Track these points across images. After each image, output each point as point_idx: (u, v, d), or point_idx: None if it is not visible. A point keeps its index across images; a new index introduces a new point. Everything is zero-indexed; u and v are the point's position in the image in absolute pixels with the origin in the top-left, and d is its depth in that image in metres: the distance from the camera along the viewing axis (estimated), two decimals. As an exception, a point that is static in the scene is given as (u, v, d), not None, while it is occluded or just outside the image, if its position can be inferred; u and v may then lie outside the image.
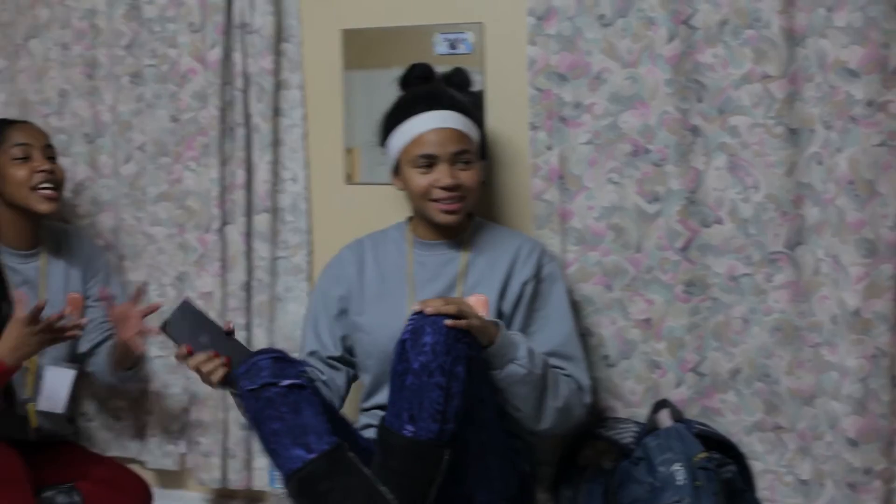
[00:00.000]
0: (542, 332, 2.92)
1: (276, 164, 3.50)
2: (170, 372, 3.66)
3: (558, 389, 2.80)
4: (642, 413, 3.14)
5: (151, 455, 3.70)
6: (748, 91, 2.97)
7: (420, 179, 2.86)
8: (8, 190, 3.27)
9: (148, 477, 3.54)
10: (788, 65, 2.92)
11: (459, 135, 2.87)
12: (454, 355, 2.59)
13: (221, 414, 3.52)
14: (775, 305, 3.01)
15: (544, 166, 3.16)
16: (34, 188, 3.26)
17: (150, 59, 3.61)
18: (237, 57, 3.45)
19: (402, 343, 2.62)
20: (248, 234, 3.50)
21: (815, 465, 2.98)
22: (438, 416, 2.57)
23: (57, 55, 3.76)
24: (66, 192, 3.65)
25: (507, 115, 3.25)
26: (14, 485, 3.04)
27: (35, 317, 3.01)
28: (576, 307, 3.14)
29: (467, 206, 2.90)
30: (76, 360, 3.45)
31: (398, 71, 3.11)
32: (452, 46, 3.28)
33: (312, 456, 2.57)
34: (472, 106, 3.02)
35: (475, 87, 3.18)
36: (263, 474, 3.54)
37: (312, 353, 3.06)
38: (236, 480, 3.55)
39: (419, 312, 2.64)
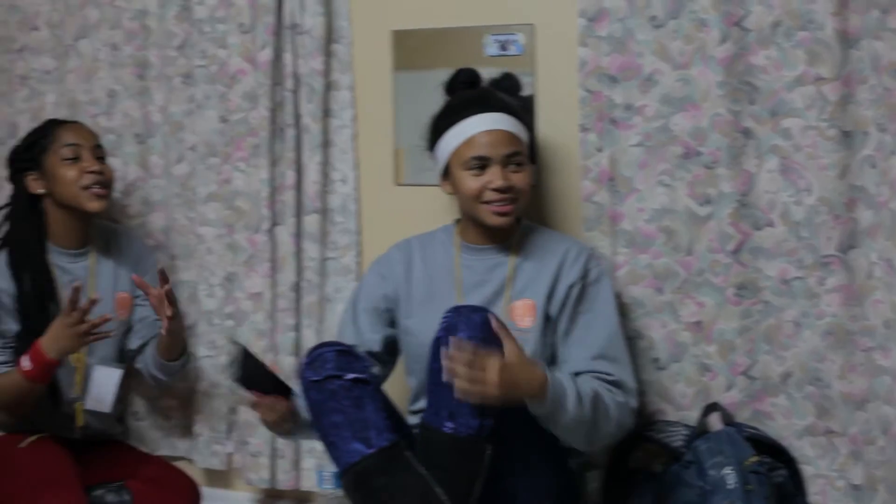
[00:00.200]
0: (586, 334, 2.88)
1: (325, 164, 3.51)
2: (218, 372, 3.67)
3: (608, 418, 2.75)
4: (692, 416, 3.12)
5: (200, 454, 3.72)
6: (801, 93, 2.95)
7: (472, 182, 2.84)
8: (58, 190, 3.29)
9: (195, 476, 3.54)
10: (842, 67, 2.90)
11: (511, 137, 2.86)
12: (489, 350, 2.59)
13: (271, 414, 3.53)
14: (827, 309, 2.98)
15: (594, 168, 3.15)
16: (84, 188, 3.27)
17: (201, 60, 3.62)
18: (287, 58, 3.46)
19: (436, 340, 2.63)
20: (298, 235, 3.51)
21: (868, 470, 2.96)
22: (477, 412, 2.59)
23: (106, 55, 3.78)
24: (118, 192, 3.67)
25: (558, 117, 3.24)
26: (65, 484, 3.07)
27: (80, 314, 3.02)
28: (626, 310, 3.14)
29: (519, 208, 2.88)
30: (124, 358, 3.48)
31: (448, 72, 3.11)
32: (503, 48, 3.27)
33: (371, 451, 2.59)
34: (522, 110, 3.00)
35: (525, 92, 3.18)
36: (312, 475, 3.55)
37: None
38: (285, 481, 3.56)
39: (453, 310, 2.66)
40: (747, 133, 3.01)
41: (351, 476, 2.63)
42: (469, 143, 2.85)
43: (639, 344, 3.16)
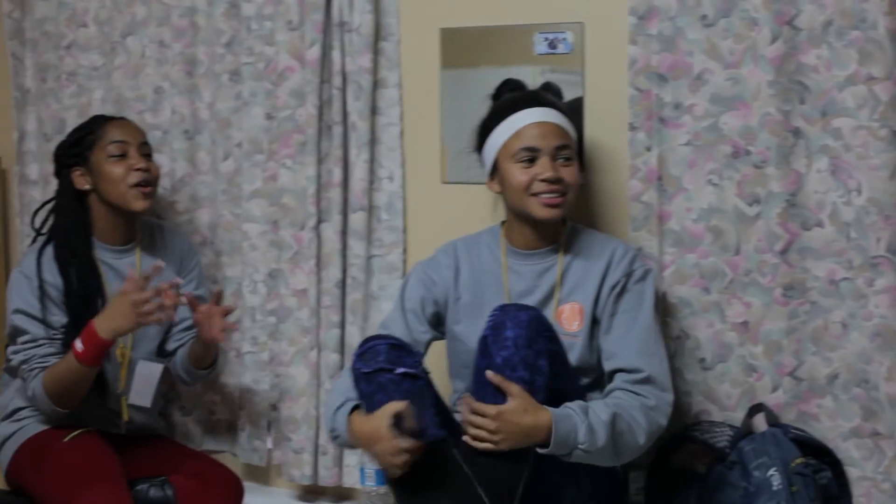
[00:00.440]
0: (624, 332, 2.87)
1: (372, 162, 3.51)
2: (259, 368, 3.70)
3: (632, 433, 2.72)
4: (737, 417, 3.11)
5: (241, 450, 3.74)
6: (852, 93, 2.94)
7: (521, 174, 2.84)
8: (103, 186, 3.30)
9: (237, 471, 3.55)
10: (894, 66, 2.89)
11: (560, 130, 2.87)
12: (536, 349, 2.60)
13: (314, 411, 3.55)
14: (876, 310, 2.97)
15: (643, 167, 3.15)
16: (130, 186, 3.28)
17: (248, 57, 3.63)
18: (336, 55, 3.47)
19: (483, 339, 2.64)
20: (344, 232, 3.52)
21: (913, 473, 2.96)
22: None
23: (153, 52, 3.82)
24: (165, 189, 3.69)
25: (606, 116, 3.24)
26: (109, 478, 3.07)
27: (144, 281, 3.02)
28: (672, 309, 3.14)
29: (567, 202, 2.87)
30: (162, 356, 3.49)
31: (496, 70, 3.13)
32: (552, 46, 3.27)
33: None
34: (569, 111, 3.01)
35: (573, 91, 3.20)
36: (354, 472, 3.55)
37: None
38: (327, 477, 3.56)
39: (499, 308, 2.65)
40: (797, 133, 3.00)
41: (396, 484, 2.65)
42: (518, 135, 2.85)
43: (685, 344, 3.16)
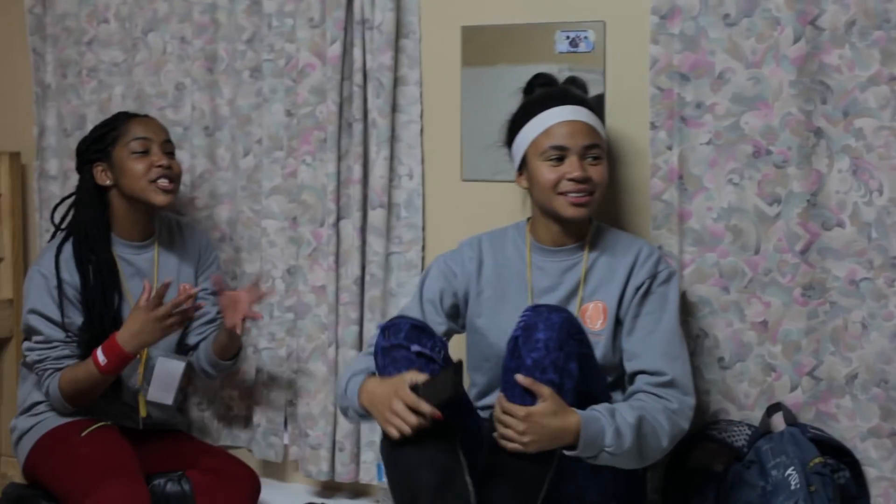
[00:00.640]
0: (648, 333, 2.87)
1: (392, 159, 3.52)
2: (277, 364, 3.70)
3: (656, 436, 2.73)
4: (756, 416, 3.11)
5: (258, 445, 3.74)
6: (874, 93, 2.94)
7: (549, 173, 2.84)
8: (125, 182, 3.31)
9: (253, 467, 3.55)
10: (917, 67, 2.90)
11: (590, 129, 2.87)
12: (567, 351, 2.60)
13: (331, 407, 3.55)
14: (896, 311, 2.98)
15: (664, 166, 3.15)
16: (151, 182, 3.30)
17: (269, 54, 3.64)
18: (357, 52, 3.48)
19: (514, 340, 2.63)
20: (363, 229, 3.52)
21: (932, 474, 2.96)
22: None
23: (174, 48, 3.83)
24: (185, 185, 3.70)
25: (628, 115, 3.24)
26: (126, 473, 3.09)
27: (157, 300, 3.06)
28: (691, 308, 3.14)
29: (594, 202, 2.88)
30: (183, 352, 3.51)
31: (517, 68, 3.13)
32: (573, 44, 3.28)
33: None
34: (597, 107, 3.03)
35: (594, 89, 3.20)
36: (371, 468, 3.56)
37: None
38: (344, 473, 3.56)
39: (531, 309, 2.65)
40: (819, 133, 3.00)
41: (387, 444, 2.67)
42: (547, 133, 2.86)
43: (704, 343, 3.16)
